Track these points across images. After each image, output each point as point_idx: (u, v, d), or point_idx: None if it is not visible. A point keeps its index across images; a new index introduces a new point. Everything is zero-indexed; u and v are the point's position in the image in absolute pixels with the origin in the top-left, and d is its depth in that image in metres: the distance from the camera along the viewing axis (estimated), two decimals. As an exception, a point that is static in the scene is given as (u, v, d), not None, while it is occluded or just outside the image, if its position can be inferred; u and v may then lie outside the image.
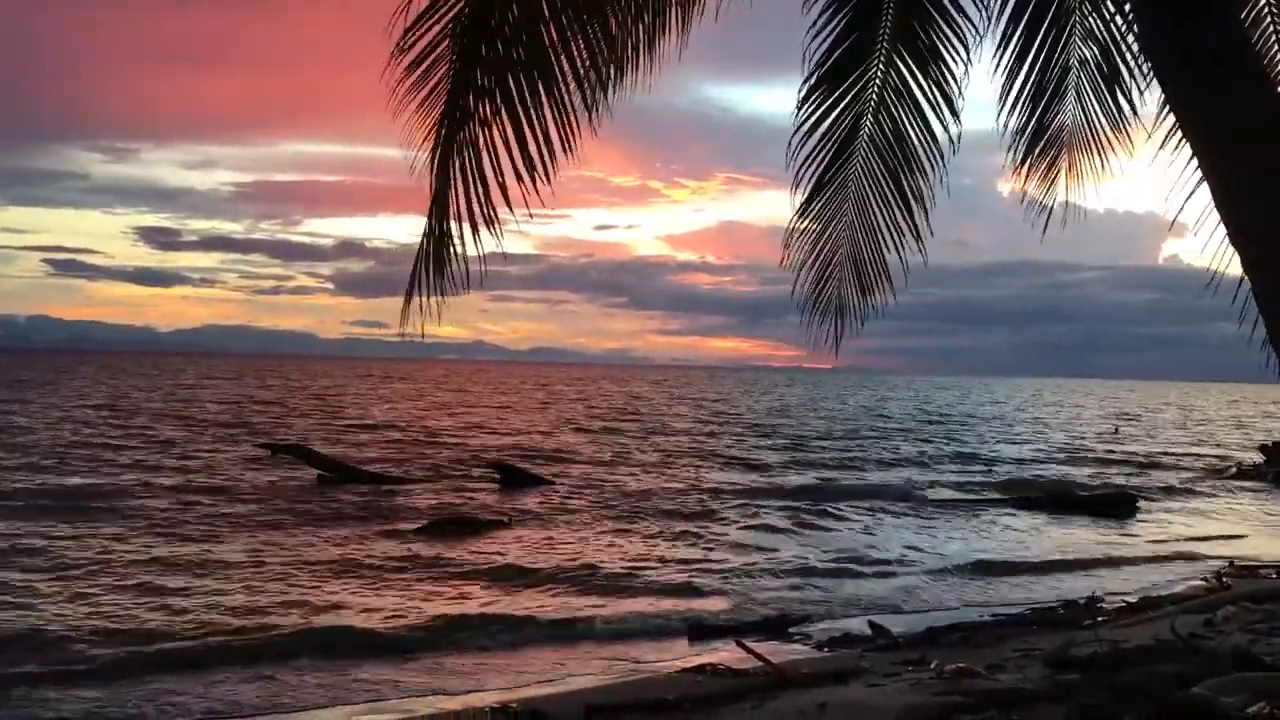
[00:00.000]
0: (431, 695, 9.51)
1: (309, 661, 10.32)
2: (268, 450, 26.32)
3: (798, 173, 6.57)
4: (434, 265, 5.43)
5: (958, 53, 6.38)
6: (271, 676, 9.80)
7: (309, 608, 12.35)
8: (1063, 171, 6.98)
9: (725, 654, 10.32)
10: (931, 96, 6.49)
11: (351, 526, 18.17)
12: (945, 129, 6.54)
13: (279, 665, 10.15)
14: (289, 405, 56.96)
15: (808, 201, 6.70)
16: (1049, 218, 7.03)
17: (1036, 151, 6.89)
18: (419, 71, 5.34)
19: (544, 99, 5.28)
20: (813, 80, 6.43)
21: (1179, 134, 5.06)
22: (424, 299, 5.39)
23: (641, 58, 5.59)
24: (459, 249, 5.40)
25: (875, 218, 6.79)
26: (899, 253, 6.75)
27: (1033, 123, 6.72)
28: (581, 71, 5.33)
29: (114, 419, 40.61)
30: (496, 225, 5.37)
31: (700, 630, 11.74)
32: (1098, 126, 6.76)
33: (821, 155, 6.61)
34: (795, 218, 6.72)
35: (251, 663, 10.20)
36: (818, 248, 6.90)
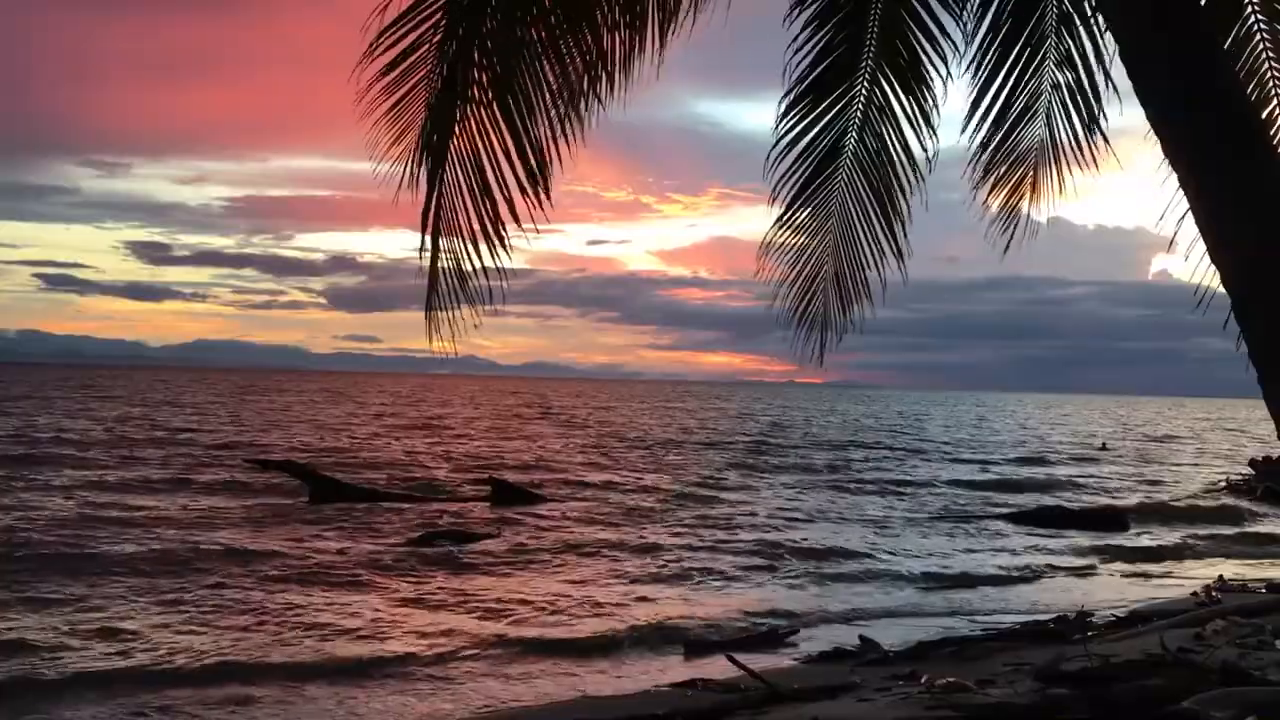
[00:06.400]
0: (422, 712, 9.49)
1: (293, 681, 10.21)
2: (258, 466, 26.14)
3: (776, 186, 6.64)
4: (453, 281, 5.52)
5: (938, 70, 6.46)
6: (249, 695, 9.69)
7: (291, 623, 12.28)
8: (1028, 191, 7.02)
9: (717, 668, 10.31)
10: (913, 114, 6.54)
11: (340, 540, 18.06)
12: (923, 146, 6.61)
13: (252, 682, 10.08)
14: (292, 423, 56.78)
15: (785, 215, 6.76)
16: (1012, 235, 7.10)
17: (1003, 170, 6.94)
18: (395, 74, 5.37)
19: (535, 103, 5.33)
20: (792, 95, 6.47)
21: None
22: (450, 315, 5.51)
23: (633, 61, 5.64)
24: (468, 266, 5.48)
25: (858, 233, 6.84)
26: (879, 268, 6.82)
27: (999, 141, 6.78)
28: (572, 78, 5.37)
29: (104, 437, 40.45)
30: (505, 241, 5.46)
31: (696, 646, 11.71)
32: (1066, 148, 6.78)
33: (802, 170, 6.67)
34: (772, 231, 6.80)
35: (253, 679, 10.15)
36: (800, 262, 6.96)
